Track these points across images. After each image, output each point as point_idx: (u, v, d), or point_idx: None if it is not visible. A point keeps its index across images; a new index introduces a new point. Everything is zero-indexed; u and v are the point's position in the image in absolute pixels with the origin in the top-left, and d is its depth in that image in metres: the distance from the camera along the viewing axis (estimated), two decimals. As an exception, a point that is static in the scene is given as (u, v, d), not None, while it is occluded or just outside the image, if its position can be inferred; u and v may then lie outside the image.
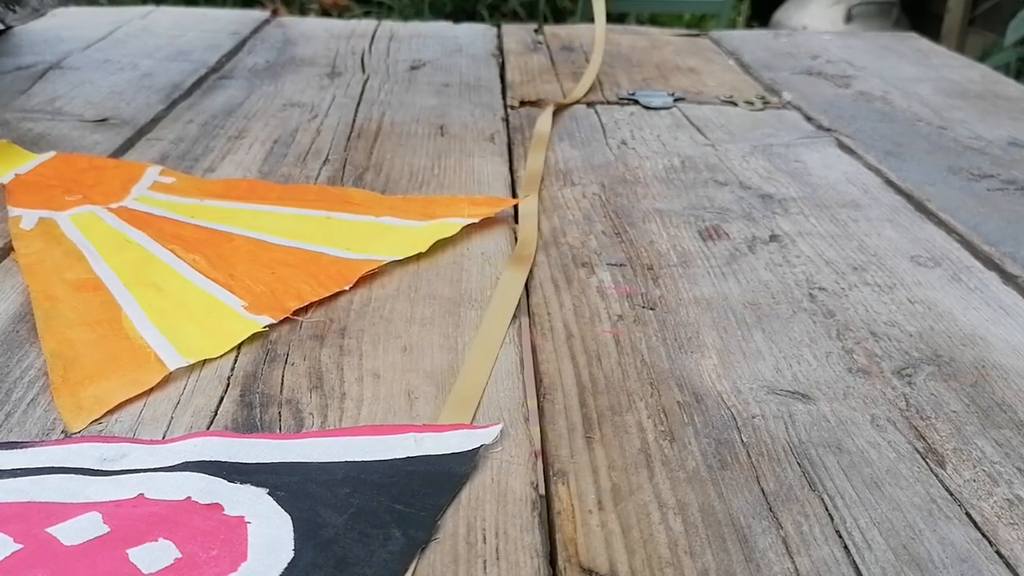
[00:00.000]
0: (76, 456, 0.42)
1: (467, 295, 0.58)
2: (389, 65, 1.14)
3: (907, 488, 0.42)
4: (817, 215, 0.72)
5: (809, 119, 0.96)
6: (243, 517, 0.38)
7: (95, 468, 0.41)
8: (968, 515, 0.40)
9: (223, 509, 0.39)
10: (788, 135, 0.91)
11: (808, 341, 0.54)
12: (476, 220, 0.67)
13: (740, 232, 0.68)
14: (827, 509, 0.40)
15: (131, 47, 1.17)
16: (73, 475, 0.41)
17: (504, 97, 1.02)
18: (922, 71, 1.16)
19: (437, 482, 0.41)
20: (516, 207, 0.72)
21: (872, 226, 0.70)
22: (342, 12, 2.79)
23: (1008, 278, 0.62)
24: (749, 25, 3.41)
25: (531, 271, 0.62)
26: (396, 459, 0.42)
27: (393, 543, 0.37)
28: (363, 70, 1.11)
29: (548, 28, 1.37)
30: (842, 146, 0.88)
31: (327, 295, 0.57)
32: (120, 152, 0.82)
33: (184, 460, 0.42)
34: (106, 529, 0.37)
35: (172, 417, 0.46)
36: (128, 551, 0.36)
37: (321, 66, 1.12)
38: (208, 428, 0.45)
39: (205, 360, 0.50)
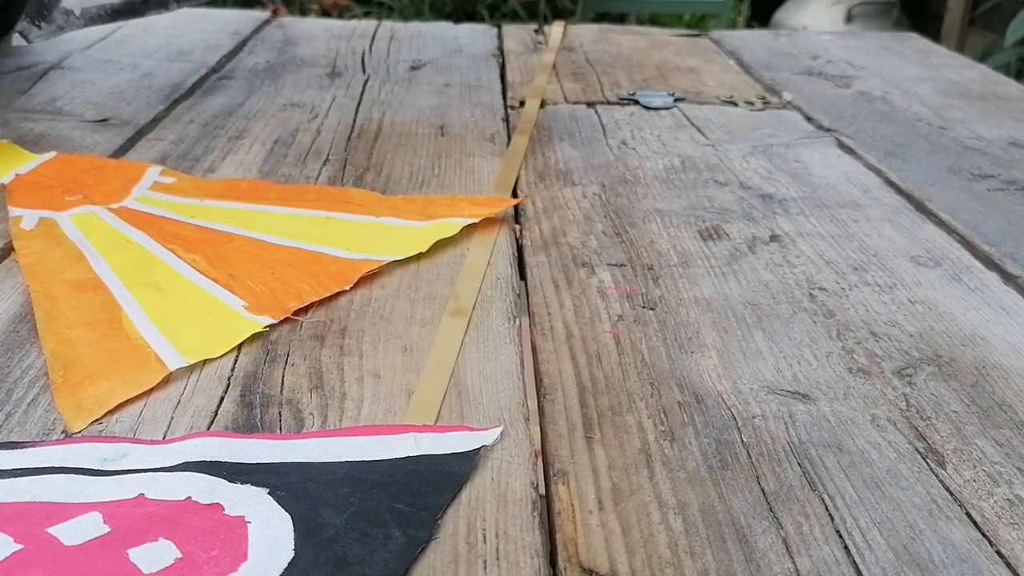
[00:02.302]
0: (76, 456, 0.42)
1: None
2: (389, 65, 1.14)
3: (907, 488, 0.42)
4: (817, 215, 0.72)
5: (809, 119, 0.96)
6: (243, 517, 0.38)
7: (95, 468, 0.41)
8: (968, 515, 0.40)
9: (223, 509, 0.39)
10: (788, 135, 0.91)
11: (808, 341, 0.54)
12: (476, 220, 0.67)
13: (740, 232, 0.68)
14: (827, 509, 0.40)
15: (131, 47, 1.17)
16: (73, 475, 0.41)
17: (504, 97, 1.02)
18: (922, 71, 1.16)
19: (437, 481, 0.41)
20: (517, 207, 0.72)
21: (872, 226, 0.70)
22: (342, 12, 2.80)
23: (1008, 278, 0.62)
24: (749, 25, 3.41)
25: (531, 271, 0.62)
26: (396, 459, 0.42)
27: (393, 542, 0.37)
28: (363, 70, 1.11)
29: (548, 28, 1.37)
30: (842, 146, 0.88)
31: (327, 295, 0.57)
32: (120, 152, 0.82)
33: (184, 460, 0.42)
34: (106, 529, 0.37)
35: (172, 417, 0.46)
36: (128, 551, 0.36)
37: (321, 66, 1.12)
38: (208, 428, 0.45)
39: (205, 360, 0.50)
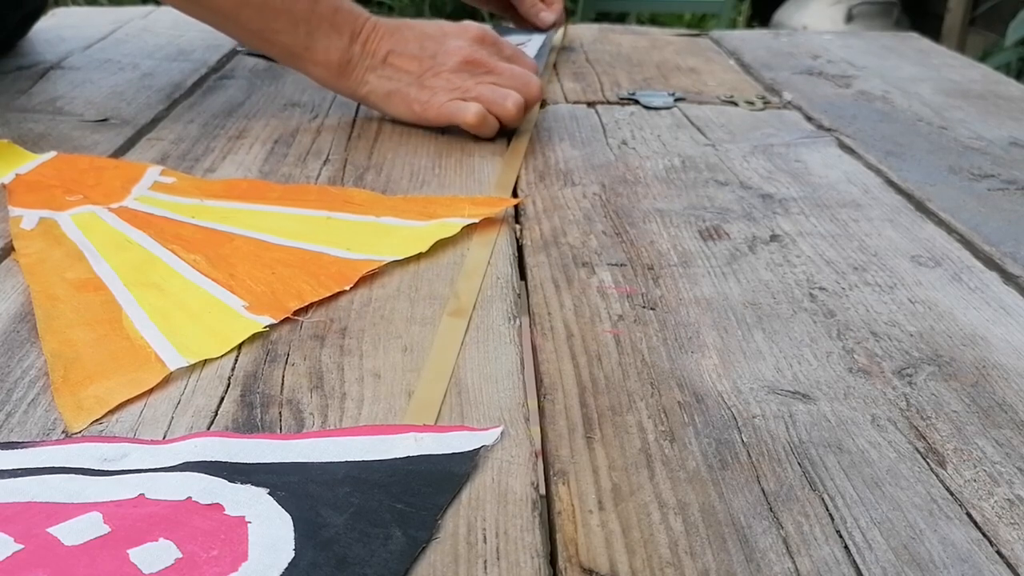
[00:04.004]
0: (76, 456, 0.42)
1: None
2: (389, 65, 1.13)
3: (907, 488, 0.42)
4: (817, 215, 0.72)
5: (810, 119, 0.96)
6: (244, 517, 0.38)
7: (96, 468, 0.41)
8: (969, 515, 0.40)
9: (224, 509, 0.39)
10: (788, 135, 0.91)
11: (808, 341, 0.54)
12: (476, 220, 0.67)
13: (740, 232, 0.68)
14: (827, 509, 0.40)
15: (132, 47, 1.17)
16: (74, 475, 0.41)
17: (504, 97, 1.02)
18: (922, 71, 1.16)
19: (438, 481, 0.41)
20: (517, 207, 0.72)
21: (873, 226, 0.70)
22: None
23: (1009, 278, 0.62)
24: (749, 25, 3.41)
25: (531, 271, 0.62)
26: (396, 458, 0.42)
27: (394, 542, 0.37)
28: (363, 70, 1.11)
29: (548, 28, 1.37)
30: (843, 146, 0.88)
31: (328, 295, 0.57)
32: (121, 152, 0.82)
33: (185, 460, 0.42)
34: (107, 529, 0.37)
35: (172, 417, 0.46)
36: (129, 551, 0.36)
37: (321, 66, 1.12)
38: (208, 428, 0.45)
39: (205, 360, 0.51)
